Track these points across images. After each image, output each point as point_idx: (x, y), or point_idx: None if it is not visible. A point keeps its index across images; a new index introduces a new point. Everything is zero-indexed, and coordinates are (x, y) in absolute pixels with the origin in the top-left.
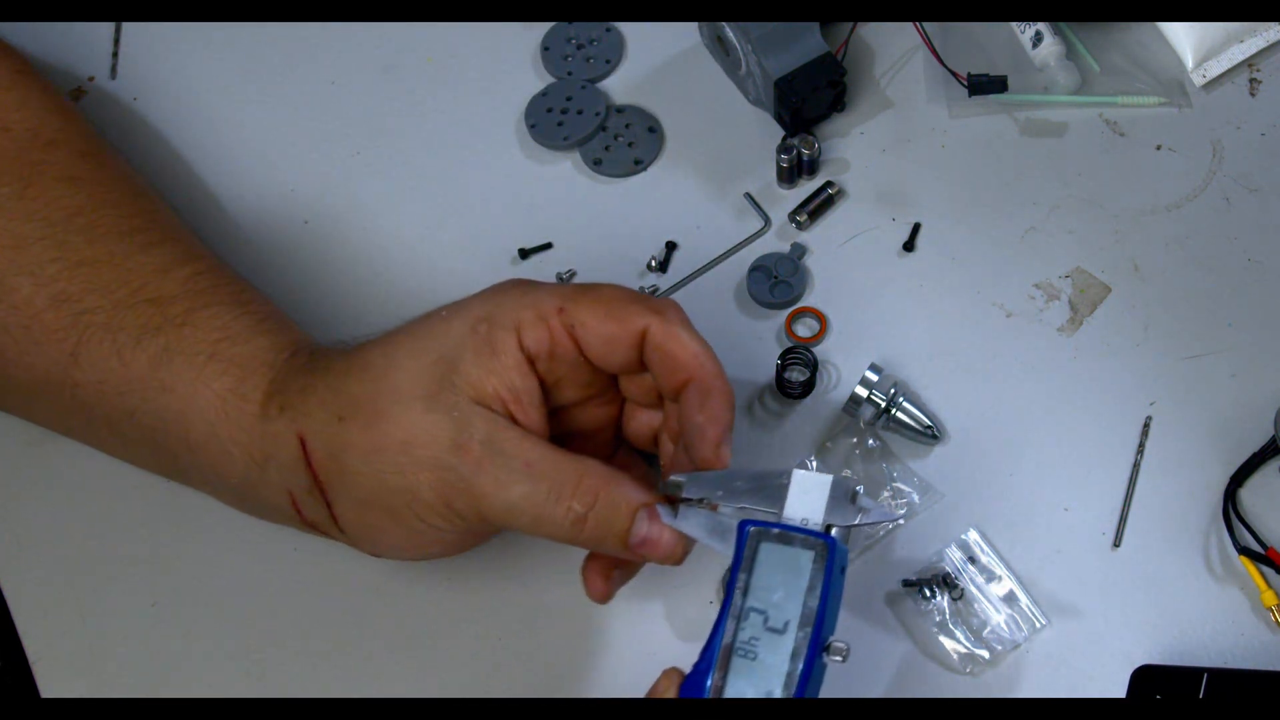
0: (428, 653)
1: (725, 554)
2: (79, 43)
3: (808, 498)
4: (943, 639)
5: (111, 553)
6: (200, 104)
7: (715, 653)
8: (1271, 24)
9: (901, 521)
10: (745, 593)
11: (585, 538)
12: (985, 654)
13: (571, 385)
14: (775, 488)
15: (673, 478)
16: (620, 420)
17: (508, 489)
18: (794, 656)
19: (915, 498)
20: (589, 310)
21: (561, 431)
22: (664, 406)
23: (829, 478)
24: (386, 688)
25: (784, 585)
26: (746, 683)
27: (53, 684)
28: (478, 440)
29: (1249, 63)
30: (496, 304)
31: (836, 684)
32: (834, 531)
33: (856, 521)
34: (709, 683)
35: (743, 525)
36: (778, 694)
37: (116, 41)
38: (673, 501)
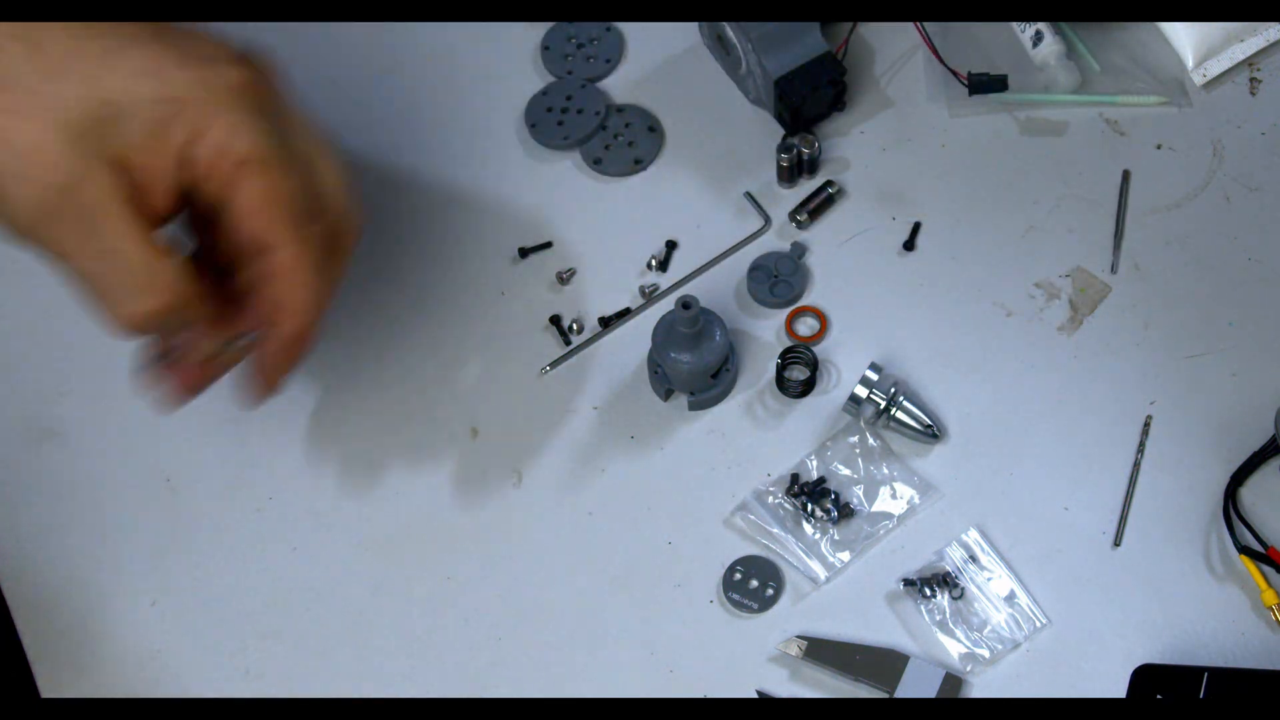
0: (428, 653)
1: None
2: None
3: (918, 685)
4: (943, 638)
5: (111, 553)
6: None
7: None
8: (1271, 24)
9: None
10: None
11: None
12: (985, 653)
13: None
14: (891, 669)
15: (798, 636)
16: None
17: (82, 262)
18: None
19: (915, 497)
20: (252, 192)
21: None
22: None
23: (942, 671)
24: (386, 688)
25: None
26: None
27: (53, 684)
28: (85, 200)
29: (1249, 62)
30: (206, 97)
31: (835, 684)
32: None
33: None
34: None
35: None
36: None
37: None
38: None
